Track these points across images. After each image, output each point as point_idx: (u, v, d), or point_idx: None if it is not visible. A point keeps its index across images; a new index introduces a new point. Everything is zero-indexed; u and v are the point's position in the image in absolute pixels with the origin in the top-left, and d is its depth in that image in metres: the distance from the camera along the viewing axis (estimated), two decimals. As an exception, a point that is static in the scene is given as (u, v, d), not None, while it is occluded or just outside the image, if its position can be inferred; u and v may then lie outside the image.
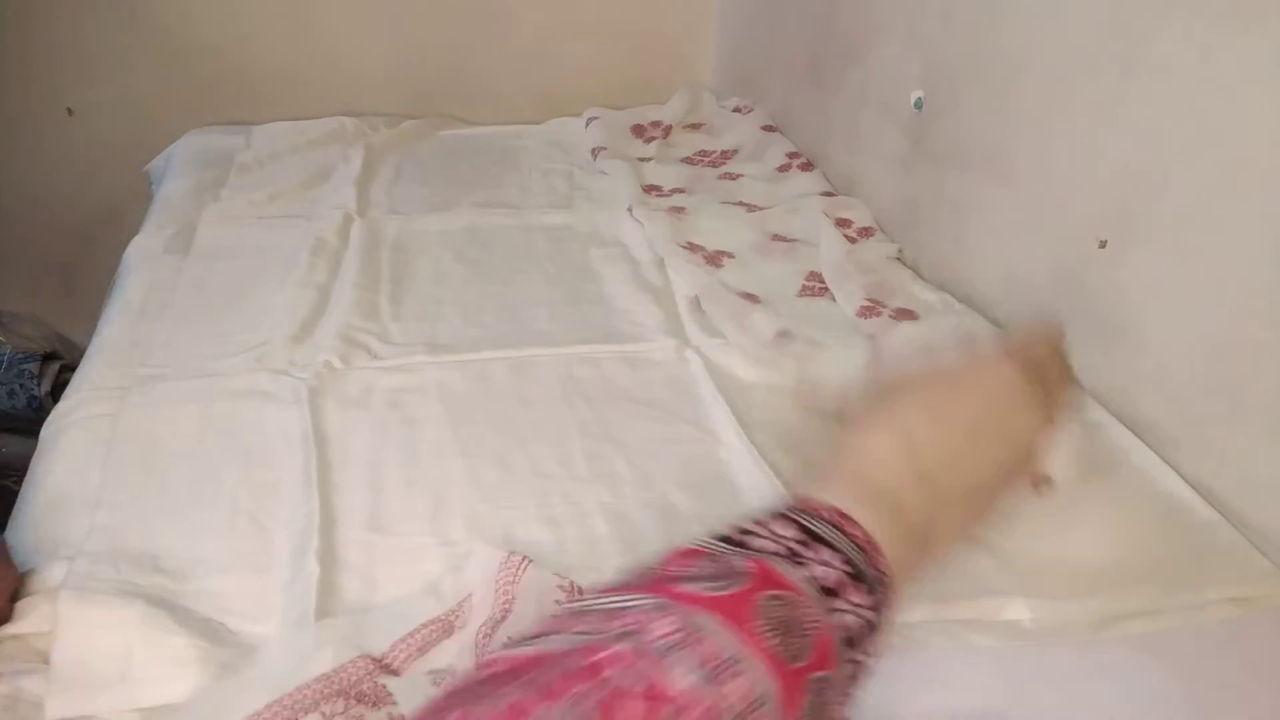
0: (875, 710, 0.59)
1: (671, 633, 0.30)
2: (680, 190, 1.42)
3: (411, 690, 0.61)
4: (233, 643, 0.66)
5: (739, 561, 0.34)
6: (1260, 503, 0.78)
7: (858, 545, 0.37)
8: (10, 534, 0.74)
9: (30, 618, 0.65)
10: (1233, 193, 0.80)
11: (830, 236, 1.20)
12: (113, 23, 1.65)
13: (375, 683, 0.61)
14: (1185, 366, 0.86)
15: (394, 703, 0.60)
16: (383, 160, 1.51)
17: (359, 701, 0.59)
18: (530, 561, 0.70)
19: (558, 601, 0.67)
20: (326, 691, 0.59)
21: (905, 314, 1.08)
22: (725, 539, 0.36)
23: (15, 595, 0.67)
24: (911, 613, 0.67)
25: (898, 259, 1.22)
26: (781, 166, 1.47)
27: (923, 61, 1.22)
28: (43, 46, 1.65)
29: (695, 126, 1.66)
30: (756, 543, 0.36)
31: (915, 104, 1.23)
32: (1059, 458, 0.47)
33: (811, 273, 1.17)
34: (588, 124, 1.62)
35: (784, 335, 0.99)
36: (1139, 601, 0.69)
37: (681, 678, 0.29)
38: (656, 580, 0.34)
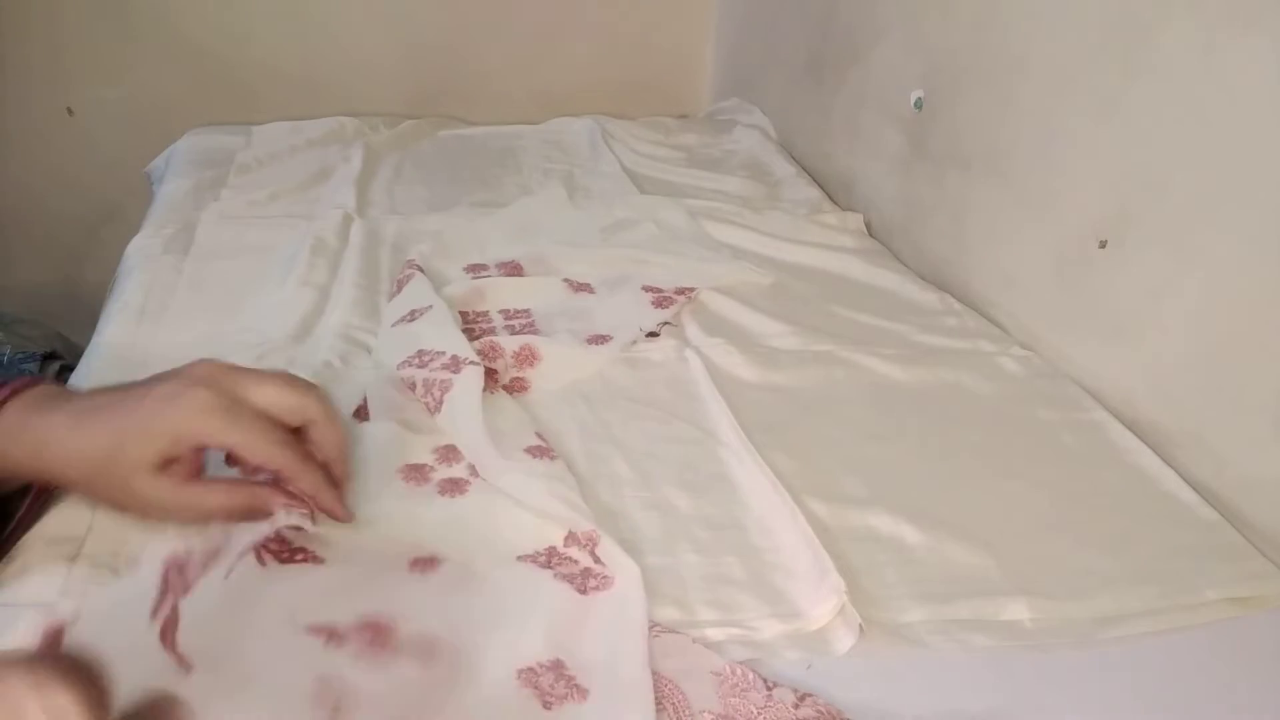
0: (875, 710, 0.60)
1: None
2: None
3: None
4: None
5: None
6: (1260, 503, 0.78)
7: None
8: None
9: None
10: (1233, 192, 0.80)
11: None
12: (113, 23, 1.65)
13: None
14: (1185, 366, 0.86)
15: None
16: (383, 160, 1.51)
17: None
18: None
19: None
20: None
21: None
22: None
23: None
24: (911, 613, 0.67)
25: None
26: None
27: (923, 61, 1.22)
28: (43, 46, 1.66)
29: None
30: None
31: (915, 104, 1.23)
32: None
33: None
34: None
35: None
36: (1139, 601, 0.69)
37: None
38: None
